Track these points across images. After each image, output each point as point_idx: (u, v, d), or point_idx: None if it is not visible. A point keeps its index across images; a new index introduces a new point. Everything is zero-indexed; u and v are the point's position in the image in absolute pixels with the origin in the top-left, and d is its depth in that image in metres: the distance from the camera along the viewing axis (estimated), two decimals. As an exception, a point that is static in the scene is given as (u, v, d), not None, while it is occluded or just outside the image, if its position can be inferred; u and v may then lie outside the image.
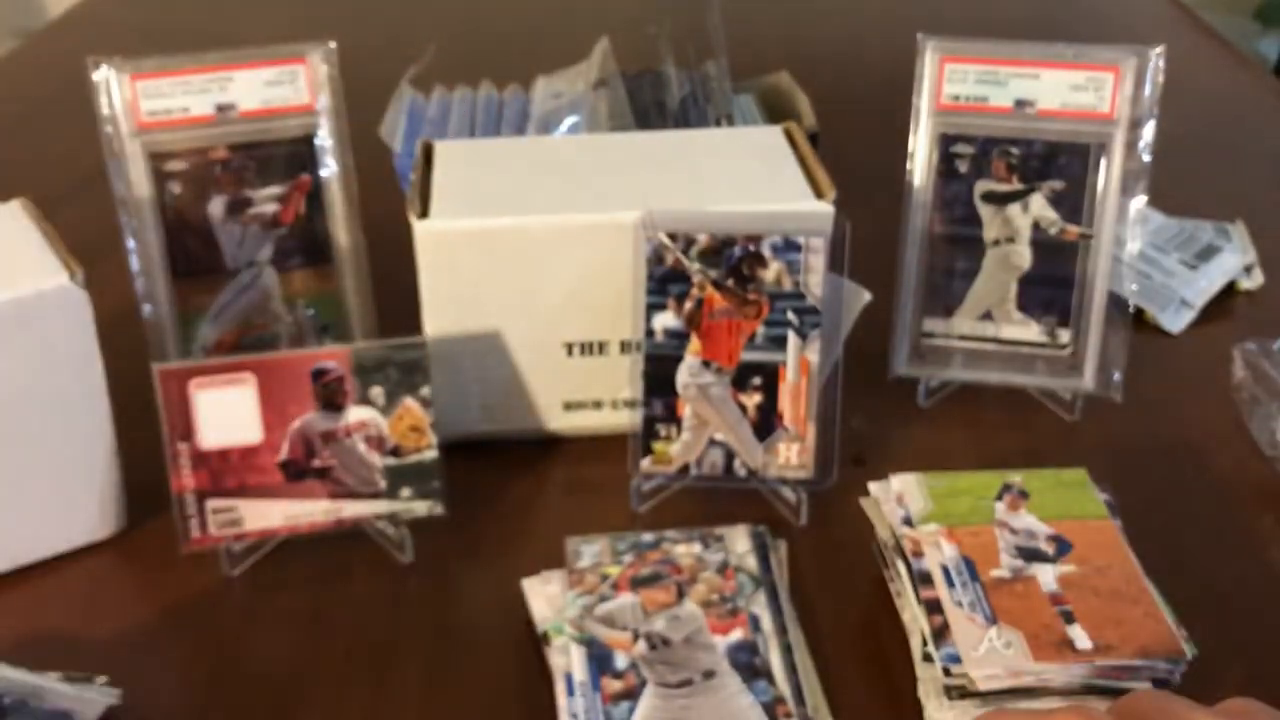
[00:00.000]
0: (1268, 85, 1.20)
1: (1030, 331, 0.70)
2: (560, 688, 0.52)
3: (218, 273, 0.68)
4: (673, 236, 0.60)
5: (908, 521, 0.56)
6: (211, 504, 0.58)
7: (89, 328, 0.58)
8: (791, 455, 0.62)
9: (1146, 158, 0.66)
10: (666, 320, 0.61)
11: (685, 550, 0.58)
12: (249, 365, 0.57)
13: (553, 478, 0.67)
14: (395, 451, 0.59)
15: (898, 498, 0.58)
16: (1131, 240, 0.68)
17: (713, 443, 0.62)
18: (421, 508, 0.60)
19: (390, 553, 0.61)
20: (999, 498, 0.57)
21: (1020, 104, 0.67)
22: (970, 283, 0.70)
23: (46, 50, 1.28)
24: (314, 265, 0.69)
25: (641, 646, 0.53)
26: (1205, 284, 0.80)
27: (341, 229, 0.69)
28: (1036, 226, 0.68)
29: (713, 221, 0.61)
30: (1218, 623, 0.55)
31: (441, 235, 0.62)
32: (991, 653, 0.50)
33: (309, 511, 0.59)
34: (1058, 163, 0.67)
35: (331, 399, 0.58)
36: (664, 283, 0.61)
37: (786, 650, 0.53)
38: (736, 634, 0.53)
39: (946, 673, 0.50)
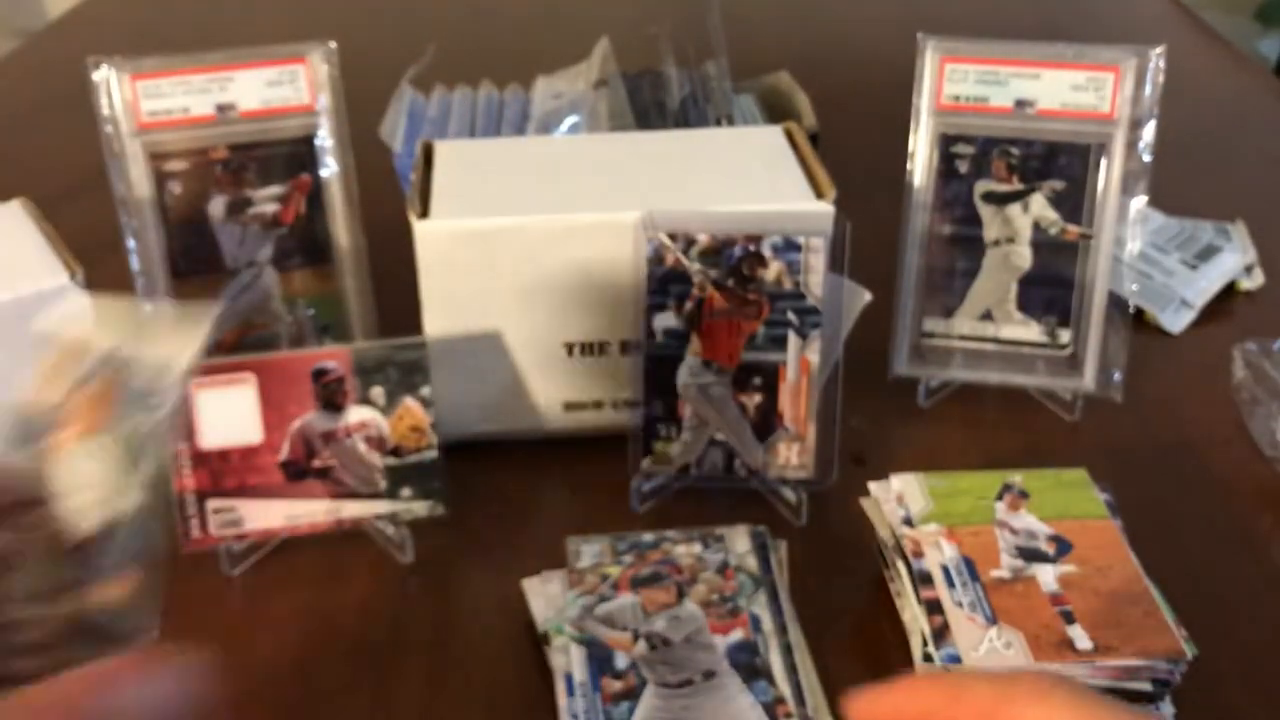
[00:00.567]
0: (1268, 85, 1.20)
1: (1030, 331, 0.70)
2: (560, 688, 0.52)
3: (218, 273, 0.68)
4: (673, 236, 0.60)
5: (908, 521, 0.56)
6: (211, 504, 0.58)
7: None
8: (792, 455, 0.62)
9: (1146, 158, 0.66)
10: (667, 320, 0.61)
11: (685, 550, 0.58)
12: (249, 365, 0.57)
13: (553, 478, 0.67)
14: (395, 451, 0.59)
15: (898, 498, 0.58)
16: (1131, 240, 0.68)
17: (713, 443, 0.62)
18: (422, 508, 0.60)
19: (390, 553, 0.61)
20: (999, 498, 0.57)
21: (1020, 104, 0.67)
22: (970, 283, 0.70)
23: (46, 50, 1.28)
24: (314, 265, 0.69)
25: (642, 646, 0.53)
26: (1205, 284, 0.80)
27: (341, 229, 0.69)
28: (1037, 226, 0.68)
29: (713, 221, 0.61)
30: (1218, 623, 0.55)
31: (441, 235, 0.62)
32: (992, 653, 0.50)
33: (309, 511, 0.59)
34: (1058, 163, 0.67)
35: (332, 399, 0.58)
36: (664, 283, 0.61)
37: (787, 650, 0.53)
38: (737, 634, 0.53)
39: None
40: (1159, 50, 0.65)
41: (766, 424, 0.62)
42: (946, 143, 0.68)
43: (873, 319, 0.67)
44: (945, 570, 0.54)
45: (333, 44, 0.67)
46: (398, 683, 0.54)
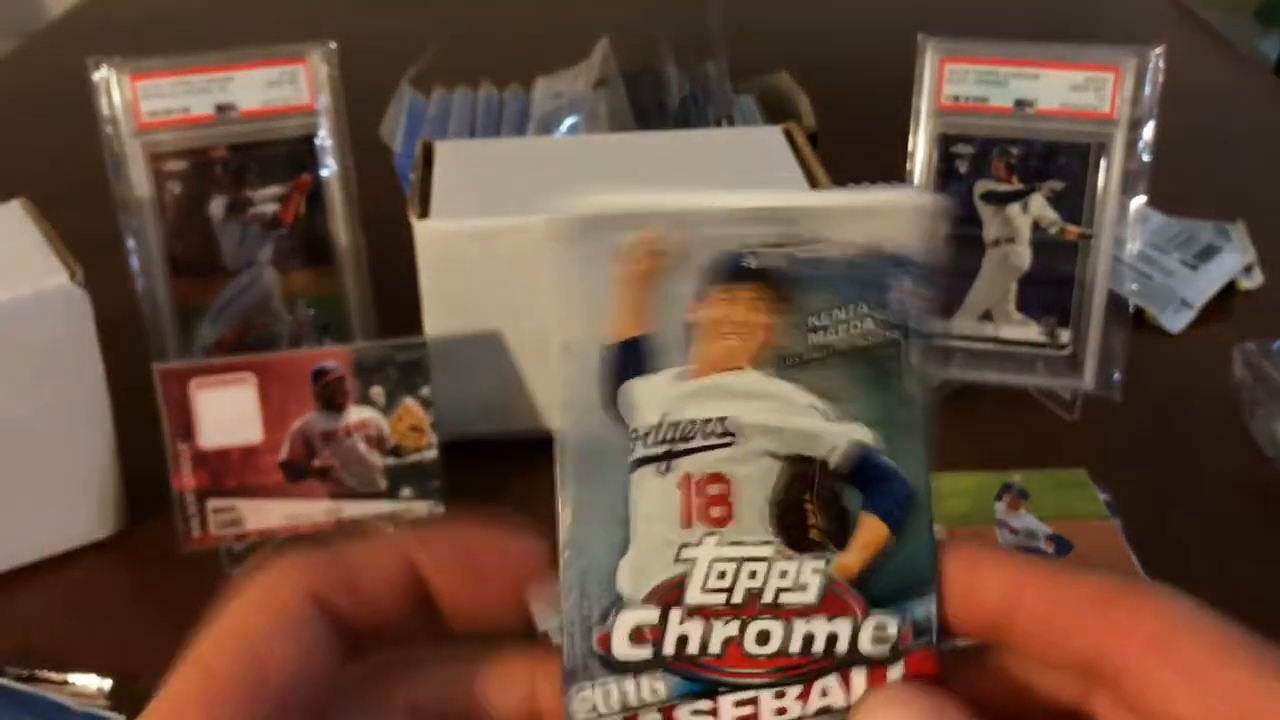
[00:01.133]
0: (1268, 85, 1.21)
1: (1030, 331, 0.69)
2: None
3: (218, 273, 0.68)
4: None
5: (908, 521, 0.56)
6: (211, 504, 0.58)
7: (89, 328, 0.58)
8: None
9: (1146, 158, 0.66)
10: (666, 320, 0.61)
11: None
12: (249, 365, 0.57)
13: (553, 478, 0.66)
14: (395, 451, 0.59)
15: (898, 498, 0.58)
16: (1131, 240, 0.68)
17: (713, 443, 0.62)
18: (421, 508, 0.60)
19: (390, 553, 0.61)
20: (999, 498, 0.57)
21: (1020, 104, 0.67)
22: (970, 283, 0.70)
23: (46, 50, 1.28)
24: (314, 265, 0.69)
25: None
26: (1205, 284, 0.80)
27: (341, 229, 0.69)
28: (1036, 226, 0.68)
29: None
30: (1218, 623, 0.55)
31: (441, 235, 0.62)
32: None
33: (309, 511, 0.59)
34: (1058, 163, 0.67)
35: (332, 399, 0.58)
36: (664, 283, 0.61)
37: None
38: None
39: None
40: (1159, 50, 0.65)
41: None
42: (946, 143, 0.68)
43: (872, 319, 0.67)
44: (945, 570, 0.54)
45: (333, 44, 0.67)
46: (398, 683, 0.54)
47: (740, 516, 0.27)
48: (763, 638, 0.27)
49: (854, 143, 0.90)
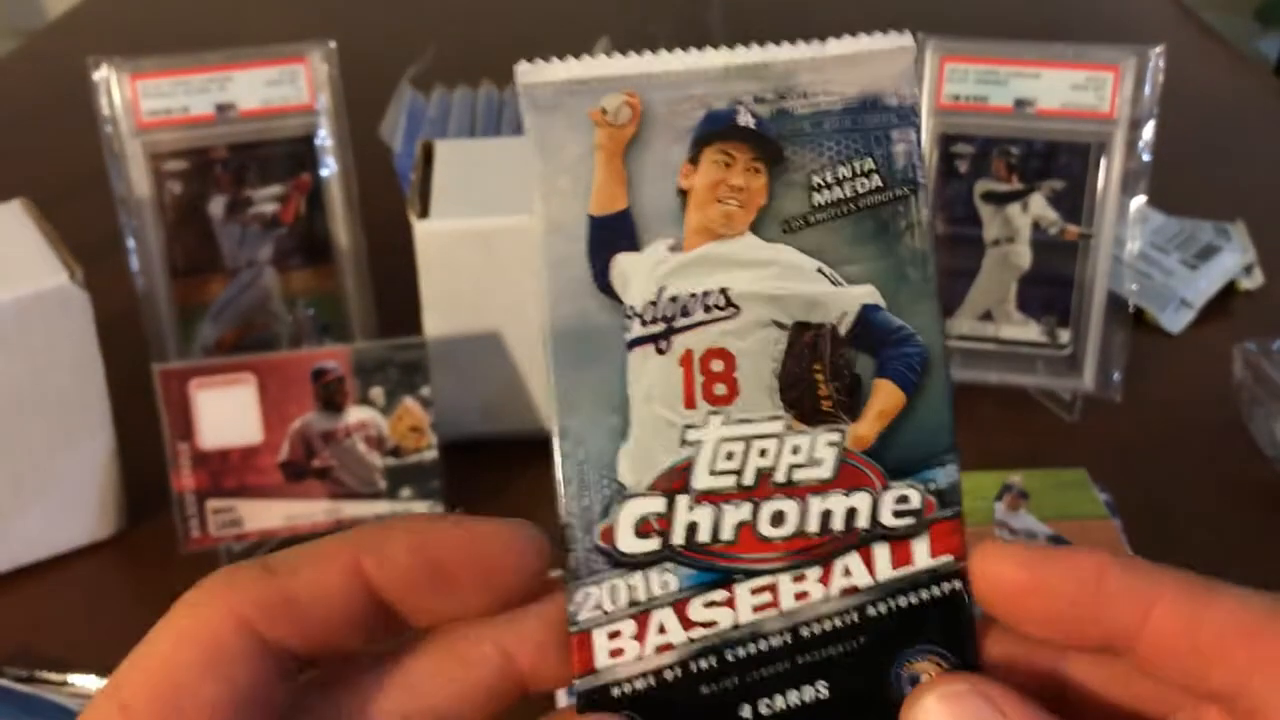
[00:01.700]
0: (1268, 85, 1.21)
1: (1030, 331, 0.69)
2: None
3: (218, 273, 0.68)
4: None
5: (908, 521, 0.56)
6: (211, 504, 0.58)
7: (89, 328, 0.58)
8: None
9: (1146, 157, 0.66)
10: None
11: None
12: (249, 365, 0.57)
13: (552, 477, 0.66)
14: (395, 451, 0.59)
15: (898, 498, 0.58)
16: (1131, 240, 0.68)
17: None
18: (421, 508, 0.60)
19: (390, 553, 0.61)
20: (999, 498, 0.57)
21: (1020, 104, 0.67)
22: (970, 283, 0.70)
23: (46, 50, 1.28)
24: (314, 265, 0.69)
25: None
26: (1205, 284, 0.80)
27: (341, 229, 0.69)
28: (1036, 226, 0.68)
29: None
30: (1218, 623, 0.55)
31: (441, 235, 0.62)
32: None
33: (309, 512, 0.59)
34: (1058, 162, 0.67)
35: (331, 399, 0.58)
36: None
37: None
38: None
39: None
40: (1159, 50, 0.65)
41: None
42: (946, 142, 0.68)
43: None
44: (945, 570, 0.54)
45: (333, 44, 0.67)
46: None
47: (746, 392, 0.26)
48: (777, 519, 0.26)
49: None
